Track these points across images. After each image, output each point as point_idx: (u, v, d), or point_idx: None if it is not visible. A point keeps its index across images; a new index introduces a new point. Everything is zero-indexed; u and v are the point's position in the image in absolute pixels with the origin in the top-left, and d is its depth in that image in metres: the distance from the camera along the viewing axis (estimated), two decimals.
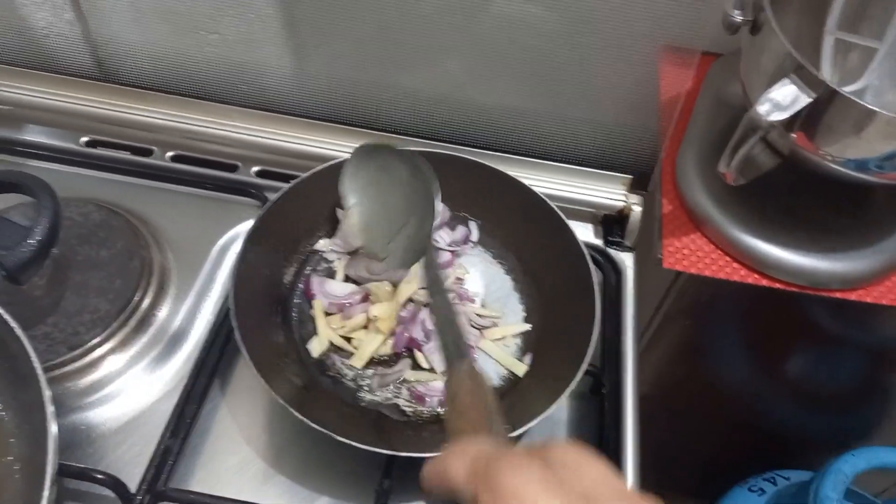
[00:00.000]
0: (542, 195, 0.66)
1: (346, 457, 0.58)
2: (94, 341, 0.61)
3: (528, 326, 0.65)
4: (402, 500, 0.57)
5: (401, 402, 0.60)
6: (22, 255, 0.53)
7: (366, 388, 0.61)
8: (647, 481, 0.59)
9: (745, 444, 1.12)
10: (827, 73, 0.76)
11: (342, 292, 0.65)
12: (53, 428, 0.47)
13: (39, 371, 0.48)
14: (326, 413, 0.57)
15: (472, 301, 0.67)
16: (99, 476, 0.53)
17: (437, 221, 0.71)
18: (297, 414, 0.51)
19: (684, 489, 1.18)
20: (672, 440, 1.02)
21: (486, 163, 0.68)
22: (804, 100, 0.61)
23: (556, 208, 0.65)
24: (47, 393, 0.48)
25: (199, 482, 0.57)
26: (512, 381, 0.62)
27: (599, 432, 0.61)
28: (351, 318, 0.63)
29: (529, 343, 0.65)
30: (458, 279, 0.68)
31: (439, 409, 0.60)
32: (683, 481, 1.18)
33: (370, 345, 0.62)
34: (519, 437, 0.57)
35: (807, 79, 0.61)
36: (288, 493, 0.57)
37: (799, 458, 1.07)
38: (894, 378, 0.95)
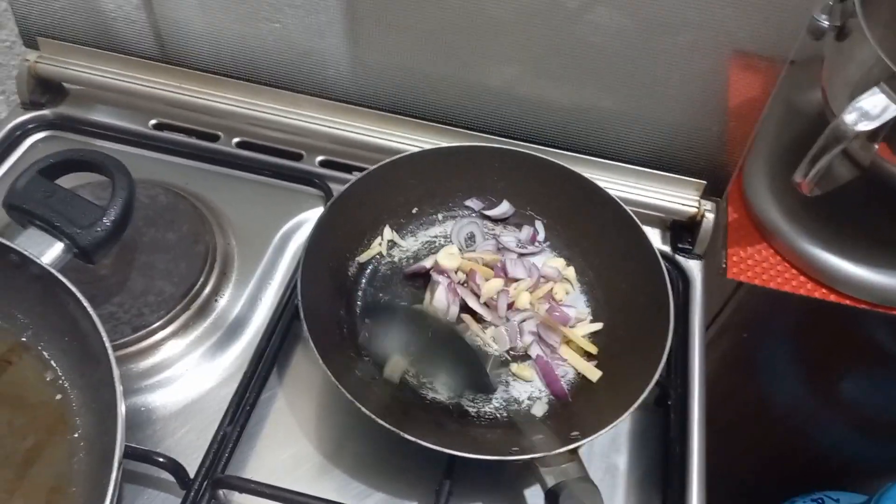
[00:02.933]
0: (615, 197, 0.65)
1: (403, 454, 0.57)
2: (157, 324, 0.61)
3: (599, 325, 0.64)
4: (462, 500, 0.56)
5: (464, 401, 0.59)
6: (97, 235, 0.53)
7: (428, 386, 0.60)
8: None
9: (792, 464, 1.09)
10: None
11: None
12: (122, 408, 0.47)
13: (110, 350, 0.48)
14: (388, 409, 0.56)
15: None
16: (161, 459, 0.53)
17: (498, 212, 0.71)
18: (362, 408, 0.50)
19: None
20: (716, 455, 1.00)
21: (556, 161, 0.67)
22: (894, 109, 0.59)
23: (629, 212, 0.64)
24: (116, 372, 0.48)
25: (254, 471, 0.56)
26: (580, 385, 0.61)
27: (665, 446, 0.59)
28: None
29: (597, 346, 0.63)
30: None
31: (504, 413, 0.59)
32: (726, 498, 1.15)
33: None
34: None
35: None
36: (343, 488, 0.56)
37: (847, 481, 1.03)
38: None
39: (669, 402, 0.60)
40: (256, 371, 0.59)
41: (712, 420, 0.64)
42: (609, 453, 0.59)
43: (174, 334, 0.62)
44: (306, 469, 0.57)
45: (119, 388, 0.47)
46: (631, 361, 0.58)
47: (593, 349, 0.62)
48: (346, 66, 0.75)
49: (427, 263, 0.66)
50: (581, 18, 0.65)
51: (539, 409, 0.59)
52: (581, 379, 0.61)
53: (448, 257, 0.66)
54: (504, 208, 0.70)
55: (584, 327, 0.64)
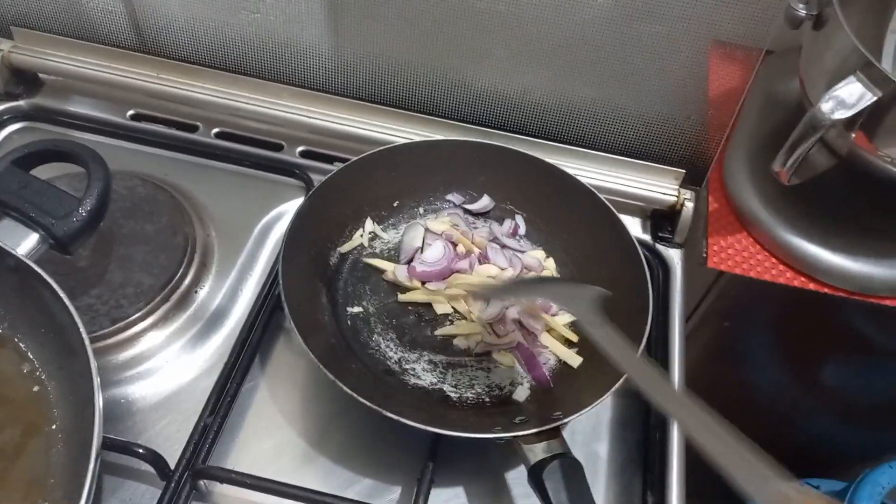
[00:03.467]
0: (590, 187, 0.65)
1: (388, 439, 0.57)
2: (136, 315, 0.60)
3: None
4: (445, 484, 0.56)
5: (446, 387, 0.59)
6: (72, 225, 0.52)
7: (410, 372, 0.60)
8: None
9: (774, 452, 1.10)
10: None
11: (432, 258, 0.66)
12: (99, 399, 0.47)
13: (87, 342, 0.48)
14: (370, 393, 0.56)
15: None
16: (140, 451, 0.53)
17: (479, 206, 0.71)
18: (344, 388, 0.50)
19: (710, 494, 1.16)
20: None
21: (534, 154, 0.67)
22: (869, 98, 0.59)
23: (606, 201, 0.64)
24: (94, 364, 0.47)
25: (237, 462, 0.56)
26: (561, 371, 0.61)
27: (645, 432, 0.60)
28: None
29: (578, 335, 0.63)
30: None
31: (486, 398, 0.59)
32: (709, 486, 1.16)
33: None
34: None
35: (874, 77, 0.59)
36: (327, 476, 0.56)
37: (829, 468, 1.04)
38: None
39: None
40: (238, 361, 0.59)
41: None
42: (590, 441, 0.60)
43: (154, 326, 0.61)
44: (290, 458, 0.57)
45: (97, 380, 0.47)
46: None
47: (574, 337, 0.62)
48: (327, 55, 0.75)
49: (416, 243, 0.66)
50: (562, 8, 0.65)
51: (521, 395, 0.59)
52: (562, 365, 0.61)
53: (438, 223, 0.67)
54: (484, 202, 0.70)
55: (565, 316, 0.64)
